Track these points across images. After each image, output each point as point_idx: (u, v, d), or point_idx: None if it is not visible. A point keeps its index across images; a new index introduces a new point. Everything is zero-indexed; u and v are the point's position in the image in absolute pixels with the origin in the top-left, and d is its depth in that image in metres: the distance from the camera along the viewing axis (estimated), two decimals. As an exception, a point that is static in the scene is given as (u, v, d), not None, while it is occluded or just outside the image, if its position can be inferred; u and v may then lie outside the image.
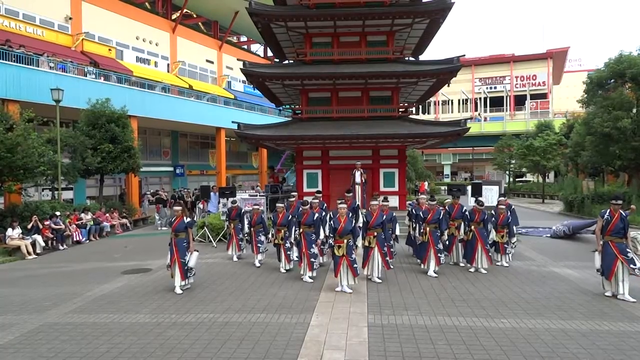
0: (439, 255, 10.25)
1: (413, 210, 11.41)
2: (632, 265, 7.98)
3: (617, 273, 8.08)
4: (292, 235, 10.26)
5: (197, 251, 9.31)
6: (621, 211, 8.23)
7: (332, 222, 9.26)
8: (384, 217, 9.83)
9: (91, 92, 22.51)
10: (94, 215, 18.79)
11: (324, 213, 10.58)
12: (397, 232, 11.13)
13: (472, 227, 10.66)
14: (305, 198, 17.83)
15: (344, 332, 6.53)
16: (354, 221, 9.49)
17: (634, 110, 23.05)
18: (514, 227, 11.94)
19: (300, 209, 10.27)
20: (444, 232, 10.55)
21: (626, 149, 22.10)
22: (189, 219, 9.37)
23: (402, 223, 13.77)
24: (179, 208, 9.37)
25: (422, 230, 10.56)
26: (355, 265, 8.78)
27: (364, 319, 7.10)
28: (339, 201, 9.47)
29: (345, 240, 8.84)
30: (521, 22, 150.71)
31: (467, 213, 10.96)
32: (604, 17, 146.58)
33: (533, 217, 22.45)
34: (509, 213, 11.65)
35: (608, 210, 8.37)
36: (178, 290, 8.89)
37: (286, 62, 20.63)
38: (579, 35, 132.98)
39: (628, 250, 8.18)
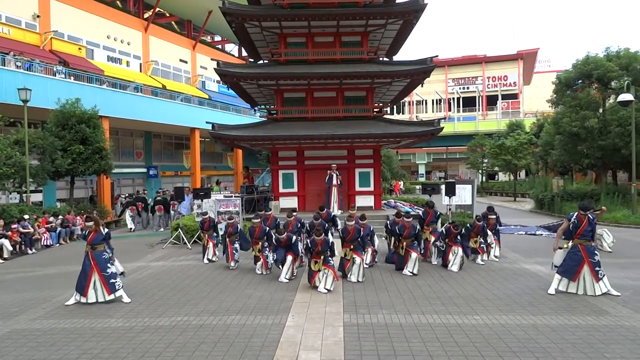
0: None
1: (389, 225, 11.51)
2: (597, 268, 8.14)
3: (583, 275, 8.21)
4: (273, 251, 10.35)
5: (116, 260, 8.79)
6: (589, 215, 8.22)
7: (309, 242, 9.31)
8: (361, 233, 9.97)
9: (61, 92, 21.93)
10: (64, 218, 18.31)
11: (294, 237, 10.13)
12: (376, 246, 11.36)
13: (447, 240, 10.98)
14: (280, 199, 18.00)
15: (319, 332, 6.54)
16: (330, 238, 9.58)
17: (601, 110, 23.80)
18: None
19: (277, 236, 10.00)
20: (420, 241, 11.09)
21: (593, 148, 22.77)
22: (107, 230, 8.70)
23: (379, 222, 13.89)
24: (91, 224, 8.46)
25: (398, 245, 10.66)
26: (335, 269, 9.01)
27: (340, 319, 7.12)
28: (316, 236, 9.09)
29: (322, 257, 8.95)
30: (493, 23, 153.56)
31: (443, 230, 11.25)
32: (573, 19, 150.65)
33: (506, 215, 22.83)
34: (497, 225, 12.30)
35: (576, 214, 8.34)
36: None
37: (261, 62, 20.54)
38: (548, 37, 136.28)
39: (596, 253, 8.31)
